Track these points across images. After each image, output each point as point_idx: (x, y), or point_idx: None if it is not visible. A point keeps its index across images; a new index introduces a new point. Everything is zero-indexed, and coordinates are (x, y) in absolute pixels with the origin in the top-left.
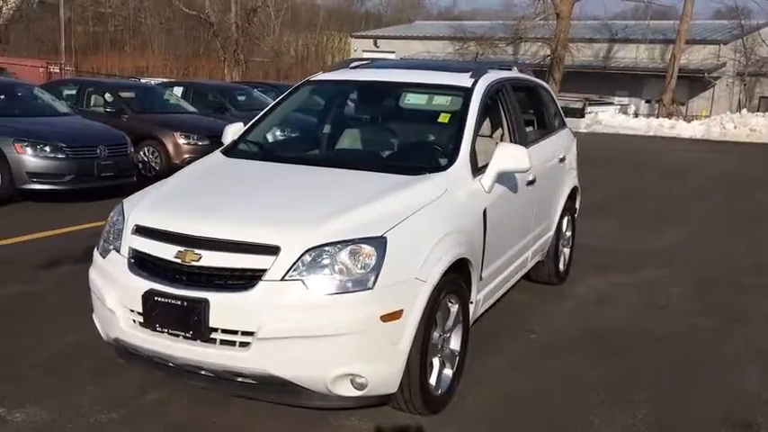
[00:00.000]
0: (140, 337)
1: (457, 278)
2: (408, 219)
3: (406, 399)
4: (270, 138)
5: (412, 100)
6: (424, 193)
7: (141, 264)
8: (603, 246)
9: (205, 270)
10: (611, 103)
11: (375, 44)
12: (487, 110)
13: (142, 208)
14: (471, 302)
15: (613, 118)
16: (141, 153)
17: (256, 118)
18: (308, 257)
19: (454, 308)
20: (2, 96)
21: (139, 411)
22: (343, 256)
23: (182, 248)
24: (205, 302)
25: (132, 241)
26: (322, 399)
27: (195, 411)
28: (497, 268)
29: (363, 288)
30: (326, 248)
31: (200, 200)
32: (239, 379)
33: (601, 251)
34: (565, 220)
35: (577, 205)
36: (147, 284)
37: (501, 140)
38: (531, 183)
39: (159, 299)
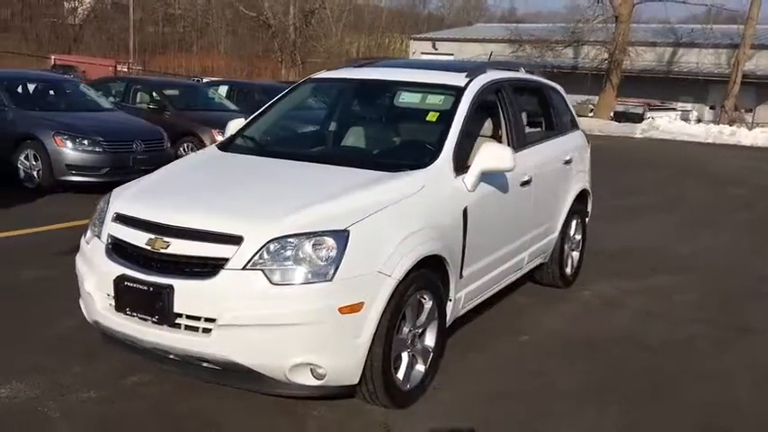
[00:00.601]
0: (115, 321)
1: (430, 274)
2: (376, 214)
3: (370, 391)
4: (265, 133)
5: (406, 98)
6: (397, 190)
7: (117, 250)
8: (625, 251)
9: (173, 257)
10: (673, 109)
11: (434, 46)
12: (482, 109)
13: (124, 197)
14: (450, 300)
15: (671, 124)
16: (180, 148)
17: (255, 114)
18: (269, 248)
19: (428, 304)
20: (51, 92)
21: (118, 392)
22: (305, 247)
23: (152, 236)
24: (170, 288)
25: (112, 228)
26: (285, 387)
27: (171, 395)
28: (483, 268)
29: (322, 280)
30: (289, 240)
31: (178, 191)
32: (204, 364)
33: (620, 256)
34: (573, 224)
35: (589, 209)
36: (119, 270)
37: (500, 141)
38: (526, 183)
39: (129, 284)
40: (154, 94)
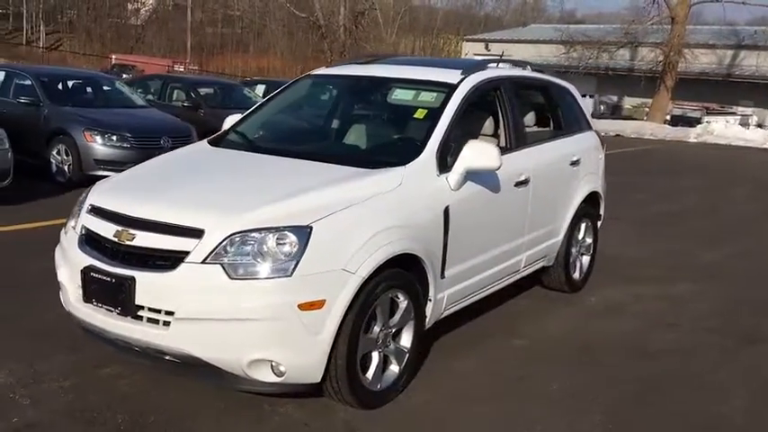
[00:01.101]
0: (84, 311)
1: (404, 273)
2: (343, 210)
3: (335, 389)
4: (255, 129)
5: (399, 95)
6: (371, 186)
7: (89, 241)
8: (649, 256)
9: (137, 249)
10: (732, 113)
11: (486, 47)
12: (476, 107)
13: (100, 189)
14: (429, 300)
15: (727, 129)
16: None
17: (251, 110)
18: (230, 242)
19: (402, 304)
20: (86, 89)
21: (91, 382)
22: (265, 242)
23: (120, 228)
24: (132, 280)
25: (86, 220)
26: (246, 383)
27: (142, 387)
28: (470, 269)
29: (282, 275)
30: (250, 234)
31: (151, 184)
32: (167, 358)
33: (642, 261)
34: (583, 227)
35: (602, 212)
36: (88, 261)
37: (498, 139)
38: (522, 183)
39: (95, 275)
40: (189, 92)
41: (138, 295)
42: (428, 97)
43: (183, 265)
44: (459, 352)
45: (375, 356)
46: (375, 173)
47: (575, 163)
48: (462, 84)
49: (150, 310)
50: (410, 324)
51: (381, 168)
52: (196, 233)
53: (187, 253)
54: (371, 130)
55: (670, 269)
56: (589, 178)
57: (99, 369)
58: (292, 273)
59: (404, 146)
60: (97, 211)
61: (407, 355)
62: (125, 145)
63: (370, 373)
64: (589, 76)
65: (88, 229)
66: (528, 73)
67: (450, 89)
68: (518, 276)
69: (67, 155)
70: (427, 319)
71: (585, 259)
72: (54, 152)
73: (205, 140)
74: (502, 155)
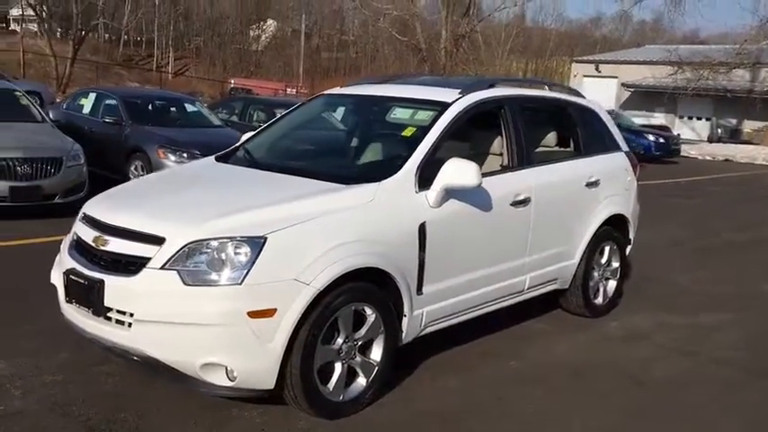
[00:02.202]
0: (68, 311)
1: (371, 287)
2: (305, 223)
3: (293, 398)
4: (260, 145)
5: (397, 114)
6: (340, 201)
7: (77, 246)
8: (692, 284)
9: (109, 254)
10: None
11: (596, 69)
12: (474, 126)
13: (95, 199)
14: (405, 316)
15: None
16: None
17: (263, 126)
18: (187, 250)
19: (371, 317)
20: (166, 109)
21: (81, 378)
22: (219, 251)
23: (98, 234)
24: (101, 283)
25: (77, 227)
26: (207, 385)
27: (125, 385)
28: (456, 287)
29: (232, 283)
30: (206, 243)
31: (136, 194)
32: (134, 357)
33: (684, 289)
34: (606, 250)
35: (631, 236)
36: (71, 264)
37: (503, 159)
38: (521, 203)
39: (73, 277)
40: (267, 112)
41: (106, 297)
42: (423, 116)
43: (144, 271)
44: (447, 370)
45: (338, 367)
46: (349, 188)
47: (592, 184)
48: (456, 103)
49: (118, 312)
50: (380, 338)
51: (357, 184)
52: (158, 241)
53: (149, 259)
54: (360, 148)
55: (712, 298)
56: (612, 200)
57: (94, 367)
58: (242, 281)
59: (385, 163)
60: (86, 219)
61: (377, 368)
62: None
63: (331, 384)
64: (703, 97)
65: (78, 236)
66: (541, 92)
67: (442, 108)
68: (523, 297)
69: (143, 170)
70: (403, 335)
71: (611, 284)
72: (132, 168)
73: (212, 156)
74: (502, 173)
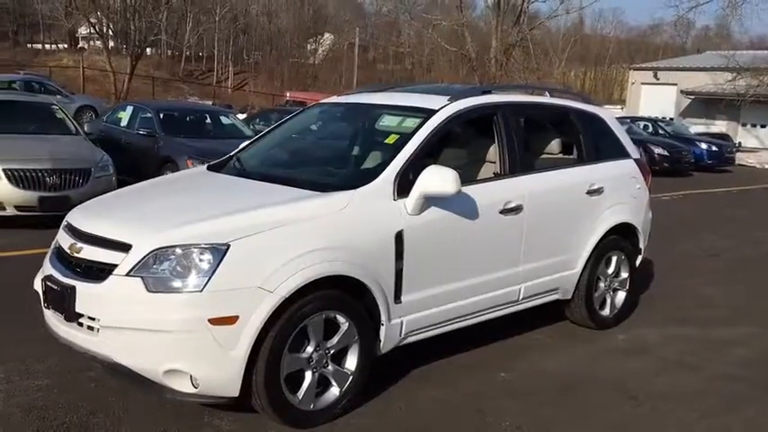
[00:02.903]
0: (48, 317)
1: (343, 295)
2: (271, 230)
3: (261, 406)
4: (250, 154)
5: (386, 122)
6: (310, 209)
7: (57, 254)
8: (718, 297)
9: (81, 261)
10: None
11: (655, 76)
12: (463, 133)
13: (78, 208)
14: (382, 324)
15: None
16: None
17: (258, 136)
18: (152, 257)
19: (344, 326)
20: (199, 121)
21: (65, 383)
22: (182, 258)
23: (73, 241)
24: (72, 289)
25: (59, 235)
26: (170, 392)
27: (106, 390)
28: (440, 295)
29: (193, 290)
30: (169, 250)
31: (118, 203)
32: (106, 363)
33: (709, 301)
34: (613, 260)
35: (641, 245)
36: (50, 271)
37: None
38: (511, 211)
39: (49, 283)
40: None
41: (77, 303)
42: (410, 123)
43: (111, 277)
44: (433, 381)
45: (308, 376)
46: (323, 196)
47: (594, 192)
48: (443, 110)
49: (88, 318)
50: (355, 347)
51: (333, 192)
52: (125, 248)
53: (116, 266)
54: (344, 156)
55: (735, 312)
56: (618, 209)
57: (80, 373)
58: (203, 288)
59: (364, 170)
60: (66, 227)
61: (351, 377)
62: None
63: (300, 392)
64: (766, 104)
65: (58, 243)
66: (539, 99)
67: (428, 115)
68: (519, 307)
69: None
70: (381, 344)
71: (621, 295)
72: None
73: (204, 165)
74: (493, 181)
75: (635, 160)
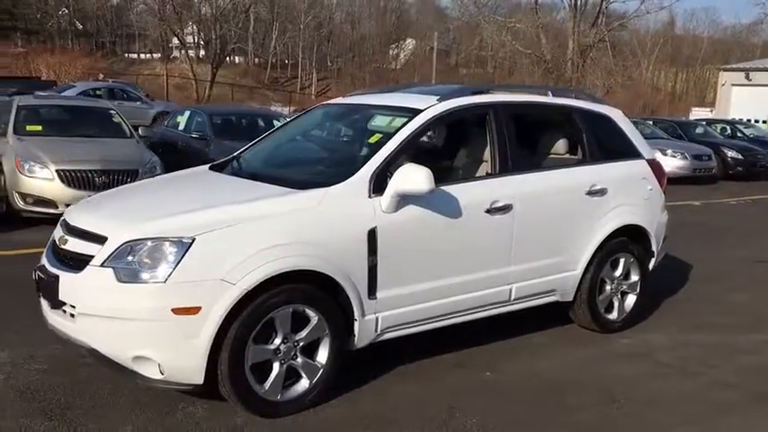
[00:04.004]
0: (42, 304)
1: (311, 289)
2: (239, 225)
3: (227, 393)
4: (250, 154)
5: (377, 122)
6: (281, 205)
7: (53, 246)
8: (740, 303)
9: (66, 252)
10: None
11: (747, 77)
12: (452, 132)
13: (77, 203)
14: (355, 320)
15: None
16: None
17: (262, 136)
18: (124, 249)
19: (314, 319)
20: (250, 125)
21: (62, 368)
22: (149, 250)
23: (62, 234)
24: (56, 278)
25: (57, 229)
26: (141, 378)
27: (97, 375)
28: (419, 293)
29: (157, 281)
30: (139, 243)
31: (110, 199)
32: (85, 349)
33: (735, 307)
34: (621, 263)
35: (653, 248)
36: (43, 261)
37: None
38: (499, 210)
39: (39, 272)
40: None
41: (60, 292)
42: (397, 123)
43: (87, 268)
44: (414, 377)
45: (276, 367)
46: (298, 192)
47: (596, 192)
48: (429, 110)
49: (70, 305)
50: (326, 341)
51: (308, 189)
52: (101, 240)
53: (92, 257)
54: (332, 155)
55: (758, 319)
56: (625, 210)
57: (79, 359)
58: (167, 279)
59: (343, 169)
60: (62, 221)
61: (321, 371)
62: None
63: (267, 383)
64: None
65: (54, 236)
66: (538, 98)
67: (413, 115)
68: (512, 308)
69: None
70: (356, 339)
71: (630, 298)
72: None
73: (207, 165)
74: (481, 180)
75: (648, 161)
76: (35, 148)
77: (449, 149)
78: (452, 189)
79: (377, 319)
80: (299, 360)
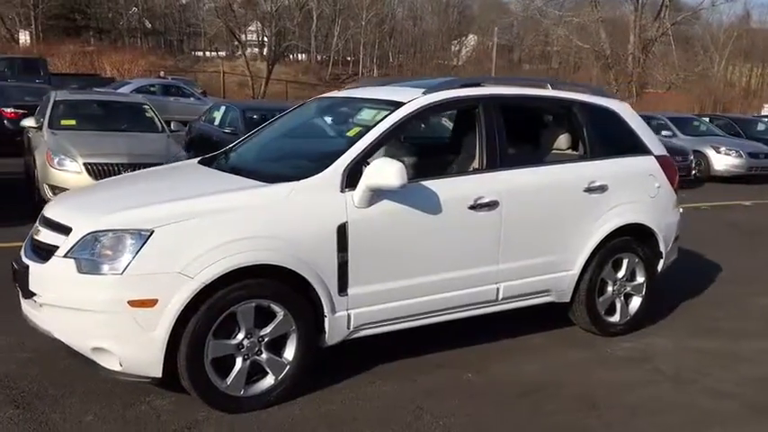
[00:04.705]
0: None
1: (276, 284)
2: (200, 218)
3: (187, 387)
4: (239, 148)
5: (363, 115)
6: (247, 198)
7: (30, 237)
8: (759, 308)
9: (38, 243)
10: None
11: None
12: (437, 126)
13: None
14: (325, 316)
15: None
16: None
17: (255, 130)
18: (85, 240)
19: (280, 315)
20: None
21: (46, 358)
22: (110, 242)
23: (37, 225)
24: (27, 268)
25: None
26: (103, 369)
27: (75, 366)
28: (398, 291)
29: (114, 273)
30: (100, 234)
31: (87, 191)
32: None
33: (745, 313)
34: (624, 263)
35: (661, 249)
36: (21, 252)
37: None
38: (484, 206)
39: (15, 263)
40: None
41: (30, 281)
42: (380, 116)
43: (53, 258)
44: (392, 376)
45: (238, 362)
46: (267, 186)
47: (595, 189)
48: (411, 103)
49: (38, 295)
50: (293, 337)
51: (278, 182)
52: (67, 231)
53: (58, 248)
54: (307, 148)
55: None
56: (627, 208)
57: (63, 350)
58: (124, 271)
59: (317, 162)
60: (41, 213)
61: (288, 367)
62: None
63: (230, 378)
64: None
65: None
66: (535, 91)
67: (394, 107)
68: (500, 308)
69: None
70: (326, 336)
71: (635, 301)
72: None
73: (196, 159)
74: (466, 175)
75: (657, 157)
76: (66, 142)
77: (433, 143)
78: (433, 184)
79: (349, 316)
80: (264, 356)
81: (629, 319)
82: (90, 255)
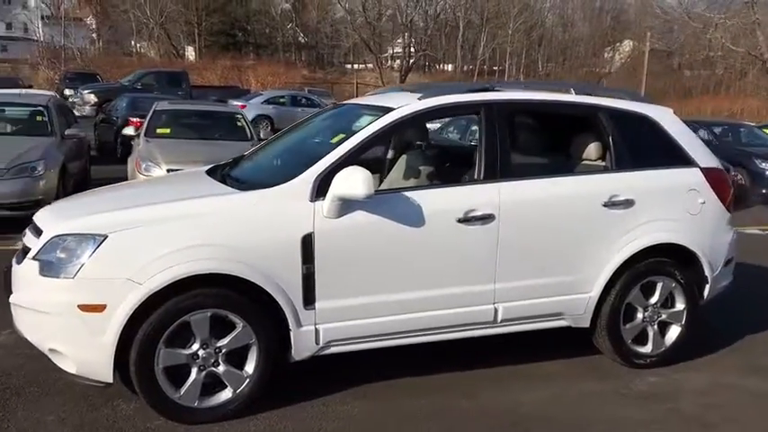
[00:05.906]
0: None
1: (232, 295)
2: (157, 224)
3: (140, 395)
4: (251, 156)
5: (361, 123)
6: (208, 205)
7: None
8: None
9: (23, 246)
10: None
11: None
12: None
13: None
14: (290, 330)
15: None
16: None
17: (272, 137)
18: (50, 243)
19: (239, 326)
20: None
21: (33, 356)
22: (65, 246)
23: (27, 228)
24: (9, 268)
25: None
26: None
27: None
28: (376, 306)
29: (66, 276)
30: (61, 238)
31: (77, 198)
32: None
33: None
34: (658, 287)
35: (707, 273)
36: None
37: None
38: (477, 220)
39: (5, 264)
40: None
41: (12, 282)
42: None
43: (26, 260)
44: (375, 397)
45: (193, 373)
46: (234, 193)
47: (618, 204)
48: (400, 109)
49: (12, 294)
50: (254, 349)
51: (247, 190)
52: (39, 234)
53: (30, 250)
54: (298, 156)
55: None
56: (660, 225)
57: None
58: (75, 275)
59: (290, 170)
60: None
61: (247, 380)
62: None
63: (183, 388)
64: None
65: None
66: (553, 97)
67: (382, 113)
68: (502, 330)
69: None
70: (292, 350)
71: (673, 330)
72: None
73: (204, 168)
74: (458, 186)
75: (703, 169)
76: (155, 149)
77: (423, 152)
78: (416, 195)
79: (317, 330)
80: (222, 368)
81: (664, 350)
82: (50, 258)
